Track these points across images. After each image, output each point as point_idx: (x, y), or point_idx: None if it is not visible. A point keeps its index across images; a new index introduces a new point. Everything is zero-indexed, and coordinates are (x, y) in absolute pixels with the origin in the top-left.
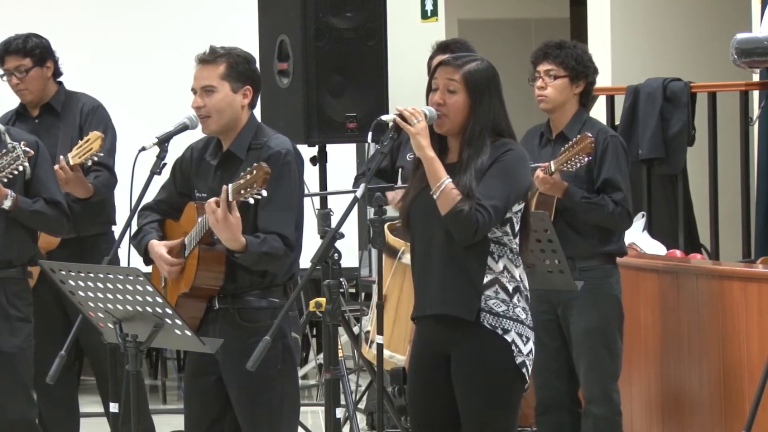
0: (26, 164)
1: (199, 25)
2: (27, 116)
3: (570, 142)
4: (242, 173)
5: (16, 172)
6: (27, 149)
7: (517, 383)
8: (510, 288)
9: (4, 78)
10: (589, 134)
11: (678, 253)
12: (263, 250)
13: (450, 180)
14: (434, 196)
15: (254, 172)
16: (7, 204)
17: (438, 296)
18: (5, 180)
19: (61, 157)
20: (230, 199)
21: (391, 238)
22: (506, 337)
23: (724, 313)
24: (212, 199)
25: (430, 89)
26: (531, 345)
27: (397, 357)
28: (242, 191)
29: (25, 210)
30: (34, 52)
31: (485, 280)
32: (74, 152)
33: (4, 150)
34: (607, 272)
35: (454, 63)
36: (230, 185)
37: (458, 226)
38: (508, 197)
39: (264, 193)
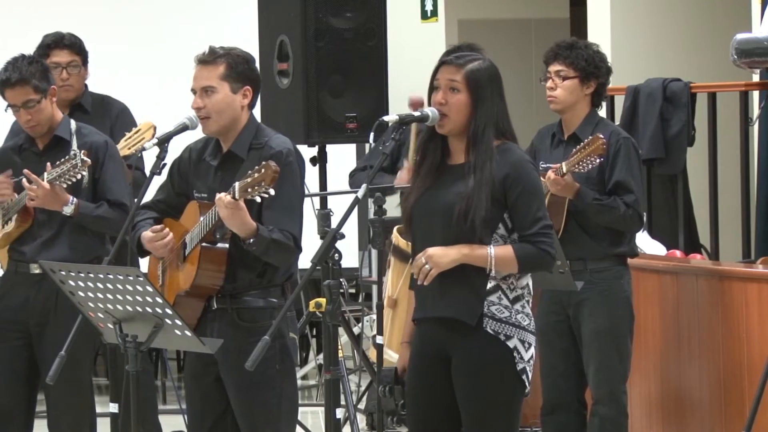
0: (84, 173)
1: (198, 25)
2: None
3: (582, 144)
4: (250, 171)
5: (73, 180)
6: (85, 158)
7: (518, 389)
8: (511, 296)
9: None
10: (601, 135)
11: (678, 253)
12: (273, 237)
13: (491, 248)
14: (494, 273)
15: (262, 170)
16: (68, 210)
17: (440, 299)
18: (65, 185)
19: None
20: (237, 197)
21: (402, 243)
22: (508, 343)
23: (724, 313)
24: (223, 195)
25: (431, 90)
26: (532, 350)
27: None
28: (249, 189)
29: (87, 215)
30: (85, 51)
31: (488, 286)
32: (122, 144)
33: (67, 156)
34: (618, 274)
35: (455, 62)
36: (237, 183)
37: (540, 268)
38: (545, 210)
39: (272, 191)
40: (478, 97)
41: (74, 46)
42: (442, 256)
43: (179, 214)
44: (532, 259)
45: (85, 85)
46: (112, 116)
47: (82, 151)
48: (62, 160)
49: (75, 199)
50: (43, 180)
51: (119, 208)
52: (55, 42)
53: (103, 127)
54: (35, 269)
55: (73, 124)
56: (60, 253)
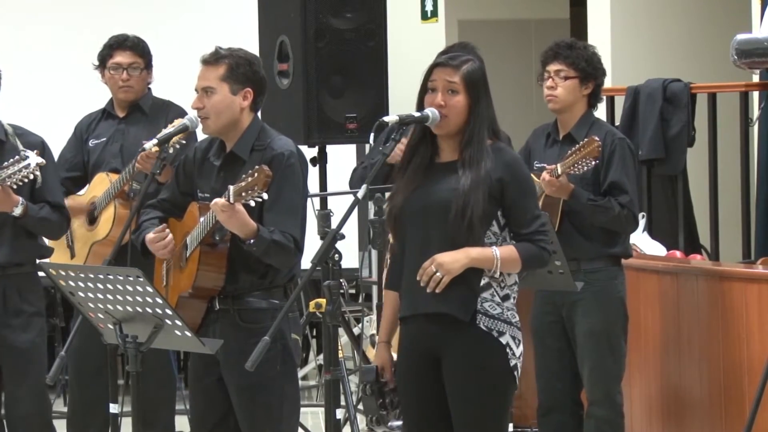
0: (37, 173)
1: (199, 25)
2: (113, 116)
3: (577, 146)
4: (244, 175)
5: (26, 180)
6: (40, 159)
7: (510, 385)
8: (502, 294)
9: (110, 71)
10: (596, 138)
11: (678, 253)
12: (274, 238)
13: (496, 249)
14: (498, 275)
15: (255, 174)
16: (17, 211)
17: (432, 295)
18: (14, 187)
19: (144, 142)
20: (231, 201)
21: None
22: (501, 339)
23: (724, 314)
24: (218, 200)
25: (425, 91)
26: (522, 347)
27: None
28: (243, 193)
29: (33, 217)
30: (148, 54)
31: (482, 282)
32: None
33: (17, 156)
34: (613, 274)
35: (452, 64)
36: (231, 187)
37: (539, 265)
38: (539, 206)
39: (265, 195)
40: (475, 98)
41: (137, 47)
42: (453, 262)
43: (184, 213)
44: (534, 258)
45: (149, 89)
46: (168, 119)
47: (35, 151)
48: (12, 160)
49: (23, 200)
50: None
51: (59, 211)
52: (118, 43)
53: (157, 129)
54: None
55: (6, 125)
56: (4, 254)
